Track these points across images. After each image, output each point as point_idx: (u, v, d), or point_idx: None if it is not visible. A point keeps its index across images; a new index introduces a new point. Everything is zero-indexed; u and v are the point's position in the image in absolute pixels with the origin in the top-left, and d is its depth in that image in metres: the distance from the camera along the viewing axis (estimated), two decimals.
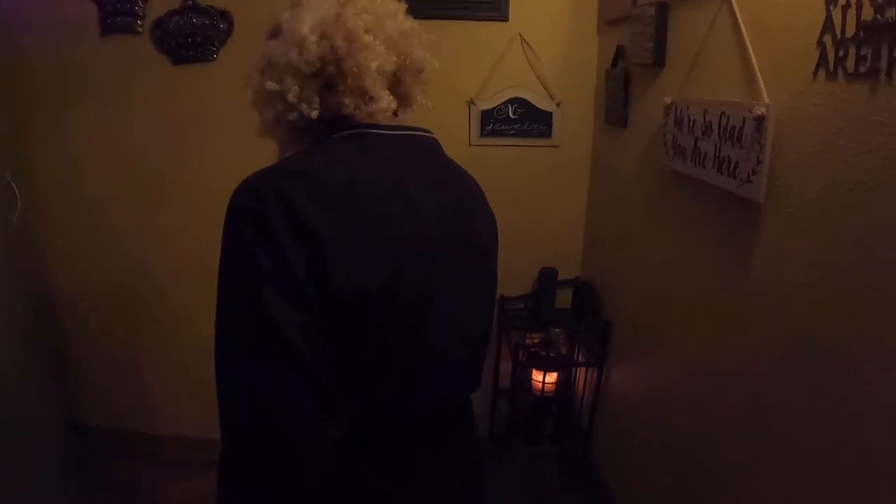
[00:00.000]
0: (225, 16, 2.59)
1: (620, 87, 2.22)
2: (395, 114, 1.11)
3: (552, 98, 2.61)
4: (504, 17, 2.53)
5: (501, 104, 2.60)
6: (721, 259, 1.60)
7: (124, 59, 2.61)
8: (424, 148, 1.10)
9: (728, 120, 1.47)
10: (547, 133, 2.64)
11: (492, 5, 2.51)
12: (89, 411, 2.98)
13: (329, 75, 1.00)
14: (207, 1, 2.58)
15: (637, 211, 2.17)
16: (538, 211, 2.74)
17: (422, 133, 1.09)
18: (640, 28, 1.98)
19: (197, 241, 2.69)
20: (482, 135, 2.63)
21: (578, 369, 2.62)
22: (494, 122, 2.62)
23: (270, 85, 1.01)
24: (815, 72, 1.23)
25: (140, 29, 2.59)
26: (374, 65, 0.99)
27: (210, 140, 2.67)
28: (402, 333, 0.95)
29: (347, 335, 0.89)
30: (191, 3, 2.57)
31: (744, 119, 1.40)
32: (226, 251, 0.89)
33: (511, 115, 2.62)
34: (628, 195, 2.25)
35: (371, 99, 1.01)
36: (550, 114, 2.63)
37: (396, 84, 1.08)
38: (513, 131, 2.63)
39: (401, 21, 1.08)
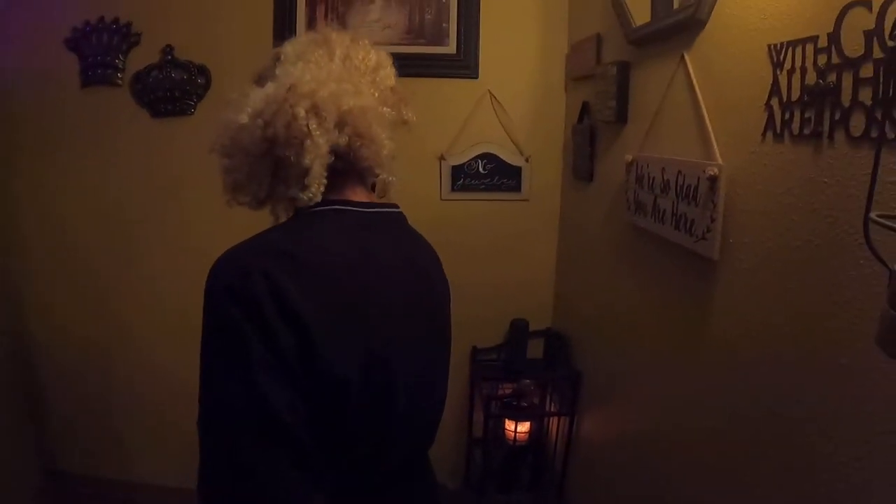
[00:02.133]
0: (203, 71, 2.66)
1: (586, 143, 2.27)
2: (372, 187, 1.15)
3: (521, 153, 2.67)
4: (474, 75, 2.59)
5: (471, 159, 2.65)
6: (682, 311, 1.62)
7: (104, 111, 2.66)
8: (392, 223, 1.14)
9: (684, 178, 1.51)
10: (516, 188, 2.69)
11: (462, 63, 2.57)
12: (65, 458, 2.93)
13: (276, 157, 1.02)
14: (186, 56, 2.64)
15: (603, 263, 2.21)
16: (509, 263, 2.76)
17: (390, 209, 1.14)
18: (603, 86, 2.04)
19: (174, 293, 2.74)
20: (453, 189, 2.66)
21: (551, 418, 2.62)
22: (465, 177, 2.66)
23: (225, 162, 1.04)
24: (764, 134, 1.28)
25: (120, 81, 2.65)
26: (309, 157, 0.99)
27: (188, 193, 2.70)
28: (375, 406, 0.98)
29: (328, 412, 0.91)
30: (170, 57, 2.64)
31: (698, 178, 1.44)
32: (213, 330, 0.89)
33: (481, 170, 2.66)
34: (595, 248, 2.29)
35: (306, 188, 1.01)
36: (520, 168, 2.68)
37: (351, 161, 1.06)
38: (483, 186, 2.68)
39: (356, 98, 1.06)
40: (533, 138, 2.68)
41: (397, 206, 1.16)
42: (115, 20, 2.61)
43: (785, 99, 1.21)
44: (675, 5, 1.73)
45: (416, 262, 1.14)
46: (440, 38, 2.57)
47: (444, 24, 2.57)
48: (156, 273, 2.76)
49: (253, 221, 2.59)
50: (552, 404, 2.61)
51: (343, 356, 0.91)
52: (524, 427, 2.54)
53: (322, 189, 1.03)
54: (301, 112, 0.99)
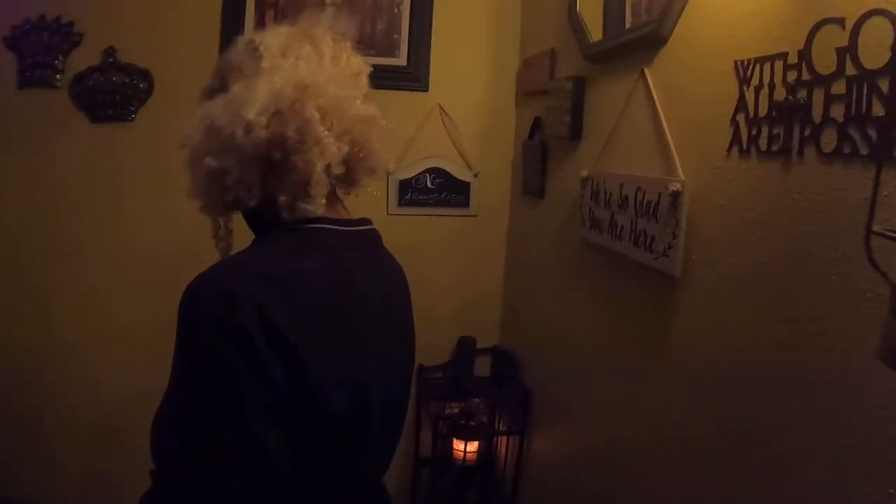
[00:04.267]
0: (145, 75, 2.55)
1: (538, 159, 2.25)
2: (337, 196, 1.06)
3: (470, 168, 2.63)
4: (424, 88, 2.55)
5: (420, 174, 2.60)
6: (640, 328, 1.60)
7: (42, 114, 2.52)
8: (370, 242, 1.08)
9: (644, 195, 1.49)
10: (465, 203, 2.65)
11: (412, 75, 2.53)
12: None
13: (273, 161, 0.93)
14: (129, 59, 2.53)
15: (555, 281, 2.18)
16: (456, 280, 2.72)
17: (368, 228, 1.08)
18: (557, 101, 2.02)
19: (114, 304, 2.60)
20: (400, 204, 2.61)
21: (500, 438, 2.56)
22: (413, 192, 2.61)
23: (210, 161, 0.92)
24: (729, 149, 1.27)
25: (59, 83, 2.51)
26: (320, 164, 0.93)
27: (129, 200, 2.58)
28: (353, 435, 0.95)
29: (312, 445, 0.87)
30: (111, 60, 2.51)
31: (659, 194, 1.42)
32: (196, 364, 0.82)
33: (429, 184, 2.61)
34: (546, 265, 2.26)
35: (308, 198, 0.94)
36: (468, 184, 2.64)
37: (345, 173, 1.00)
38: (431, 201, 2.63)
39: (359, 106, 1.00)
40: (483, 153, 2.65)
41: (371, 222, 1.09)
42: (57, 18, 2.47)
43: (752, 115, 1.20)
44: (627, 23, 1.73)
45: (393, 286, 1.10)
46: (391, 50, 2.52)
47: (395, 36, 2.52)
48: (96, 283, 2.61)
49: (197, 230, 2.46)
50: (500, 423, 2.55)
51: (335, 389, 0.87)
52: (473, 447, 2.48)
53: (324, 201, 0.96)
54: (315, 115, 0.91)
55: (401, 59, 2.53)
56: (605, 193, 1.68)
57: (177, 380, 0.83)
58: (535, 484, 2.40)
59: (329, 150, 0.92)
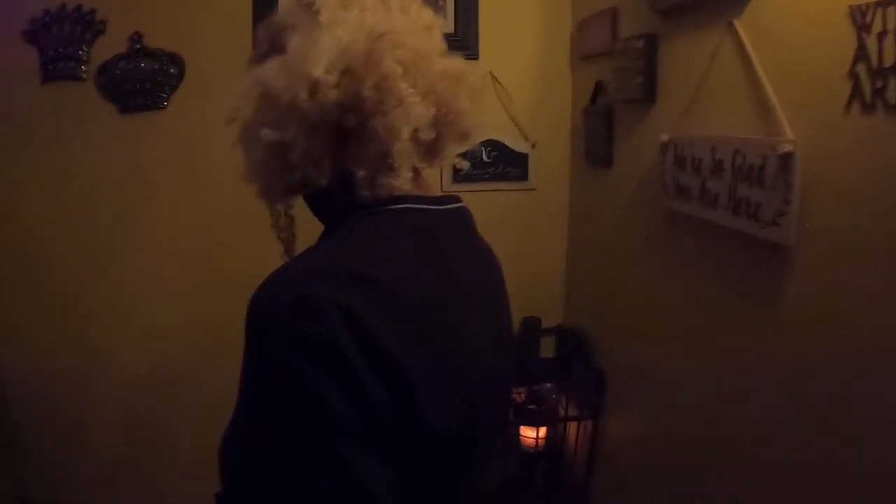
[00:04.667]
0: (175, 60, 2.44)
1: (603, 125, 2.12)
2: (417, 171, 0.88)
3: (527, 139, 2.51)
4: (474, 55, 2.42)
5: (475, 147, 2.48)
6: (739, 303, 1.48)
7: (68, 108, 2.43)
8: (464, 223, 0.94)
9: (744, 158, 1.36)
10: (523, 176, 2.53)
11: (461, 42, 2.40)
12: (38, 487, 2.68)
13: (346, 129, 0.79)
14: (157, 44, 2.42)
15: (629, 254, 2.05)
16: (516, 258, 2.57)
17: (459, 205, 0.93)
18: (625, 62, 1.89)
19: (151, 305, 2.53)
20: (455, 181, 2.49)
21: (570, 423, 2.47)
22: (468, 167, 2.49)
23: (268, 134, 0.78)
24: (848, 104, 1.13)
25: (84, 75, 2.42)
26: (406, 129, 0.78)
27: (163, 193, 2.49)
28: (460, 456, 0.82)
29: (419, 474, 0.74)
30: (139, 46, 2.41)
31: (764, 157, 1.29)
32: (272, 386, 0.68)
33: (485, 158, 2.50)
34: (618, 238, 2.14)
35: (391, 171, 0.80)
36: (526, 155, 2.52)
37: (431, 142, 0.86)
38: (487, 175, 2.51)
39: (445, 59, 0.86)
40: (538, 123, 2.52)
41: (459, 199, 0.94)
42: (78, 7, 2.36)
43: (875, 65, 1.07)
44: None
45: (490, 275, 0.96)
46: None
47: (440, 2, 2.39)
48: (130, 283, 2.54)
49: (238, 222, 2.36)
50: (570, 407, 2.46)
51: (443, 405, 0.74)
52: (543, 433, 2.39)
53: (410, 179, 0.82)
54: (397, 68, 0.77)
55: (448, 26, 2.39)
56: (693, 158, 1.55)
57: (248, 405, 0.71)
58: (610, 471, 2.30)
59: (415, 110, 0.79)
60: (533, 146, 2.51)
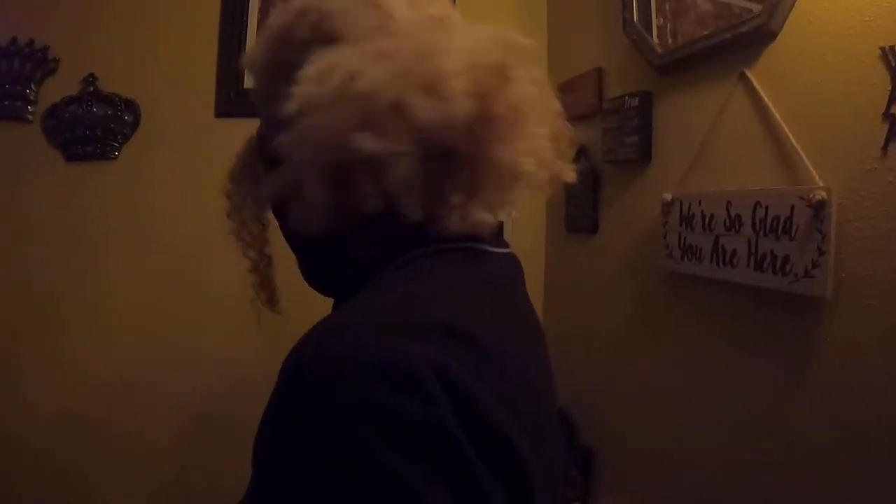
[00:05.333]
0: (130, 106, 2.30)
1: (588, 190, 2.04)
2: None
3: None
4: None
5: None
6: (758, 364, 1.36)
7: (10, 152, 2.25)
8: (519, 273, 0.80)
9: (767, 210, 1.28)
10: None
11: None
12: None
13: (454, 150, 0.63)
14: (112, 88, 2.28)
15: (619, 322, 1.94)
16: None
17: (509, 250, 0.80)
18: (616, 122, 1.83)
19: (100, 373, 2.29)
20: None
21: None
22: None
23: (367, 142, 0.58)
24: (885, 146, 1.07)
25: (31, 116, 2.25)
26: (529, 163, 0.66)
27: (112, 251, 2.30)
28: None
29: None
30: (92, 89, 2.26)
31: (792, 207, 1.22)
32: (342, 494, 0.47)
33: None
34: (604, 306, 2.02)
35: (489, 204, 0.67)
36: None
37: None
38: None
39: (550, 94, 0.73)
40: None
41: (508, 245, 0.81)
42: (30, 42, 2.22)
43: None
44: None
45: (540, 335, 0.81)
46: None
47: None
48: (81, 352, 2.30)
49: (195, 286, 2.14)
50: None
51: (546, 495, 0.57)
52: None
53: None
54: (534, 89, 0.65)
55: None
56: (704, 216, 1.47)
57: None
58: None
59: (540, 143, 0.67)
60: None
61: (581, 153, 2.10)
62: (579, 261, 2.20)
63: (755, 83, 1.36)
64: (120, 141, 2.28)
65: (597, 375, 2.11)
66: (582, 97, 2.07)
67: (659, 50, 1.67)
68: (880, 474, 1.08)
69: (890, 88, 1.06)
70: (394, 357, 0.49)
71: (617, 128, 1.83)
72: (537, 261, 2.49)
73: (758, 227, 1.31)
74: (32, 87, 2.24)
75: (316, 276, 0.79)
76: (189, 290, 2.30)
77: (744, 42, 1.38)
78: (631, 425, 1.90)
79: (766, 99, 1.33)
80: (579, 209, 2.12)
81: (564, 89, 2.21)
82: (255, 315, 0.91)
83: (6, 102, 2.22)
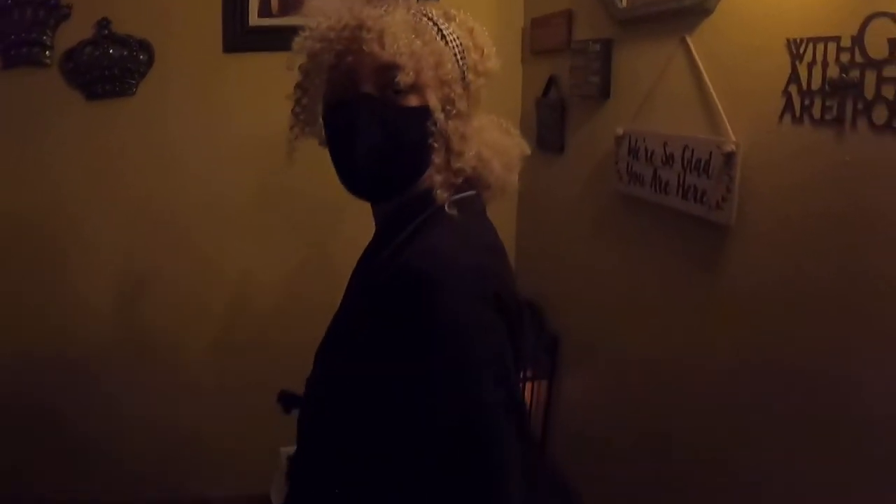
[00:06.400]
0: (145, 46, 2.49)
1: (556, 116, 2.40)
2: None
3: None
4: None
5: None
6: (684, 274, 1.79)
7: (31, 96, 2.45)
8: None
9: (693, 153, 1.67)
10: None
11: None
12: None
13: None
14: (125, 30, 2.46)
15: (580, 232, 2.36)
16: None
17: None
18: (581, 62, 2.17)
19: (121, 304, 2.59)
20: None
21: (526, 384, 2.74)
22: None
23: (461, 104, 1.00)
24: (781, 116, 1.42)
25: (48, 61, 2.44)
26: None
27: (132, 183, 2.55)
28: None
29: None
30: (106, 32, 2.45)
31: (710, 153, 1.60)
32: (464, 341, 0.83)
33: None
34: (570, 216, 2.44)
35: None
36: None
37: None
38: None
39: None
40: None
41: None
42: None
43: (805, 87, 1.35)
44: None
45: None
46: None
47: None
48: (97, 278, 2.58)
49: (213, 213, 2.51)
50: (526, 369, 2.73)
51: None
52: None
53: None
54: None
55: None
56: (647, 150, 1.85)
57: (431, 361, 0.83)
58: (565, 429, 2.60)
59: None
60: None
61: (552, 83, 2.45)
62: (548, 174, 2.60)
63: (692, 48, 1.70)
64: (136, 78, 2.50)
65: (562, 274, 2.55)
66: (553, 34, 2.40)
67: (620, 5, 1.98)
68: (771, 346, 1.50)
69: (789, 73, 1.39)
70: (483, 263, 0.88)
71: (582, 67, 2.17)
72: None
73: (685, 165, 1.70)
74: (48, 32, 2.41)
75: (379, 181, 1.01)
76: (202, 209, 2.58)
77: (686, 13, 1.70)
78: (588, 316, 2.37)
79: (699, 63, 1.68)
80: (549, 131, 2.48)
81: (537, 24, 2.54)
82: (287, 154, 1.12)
83: (24, 49, 2.40)
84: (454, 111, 0.96)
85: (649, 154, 1.85)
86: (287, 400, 1.21)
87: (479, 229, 0.97)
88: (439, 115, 0.93)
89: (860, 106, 1.23)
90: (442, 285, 0.82)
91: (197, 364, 2.70)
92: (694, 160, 1.67)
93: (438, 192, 0.94)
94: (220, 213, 2.59)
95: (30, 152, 2.48)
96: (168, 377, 2.68)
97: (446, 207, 0.94)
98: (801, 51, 1.37)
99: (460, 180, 0.98)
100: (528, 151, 1.13)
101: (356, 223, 1.33)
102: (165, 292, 2.64)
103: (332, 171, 1.00)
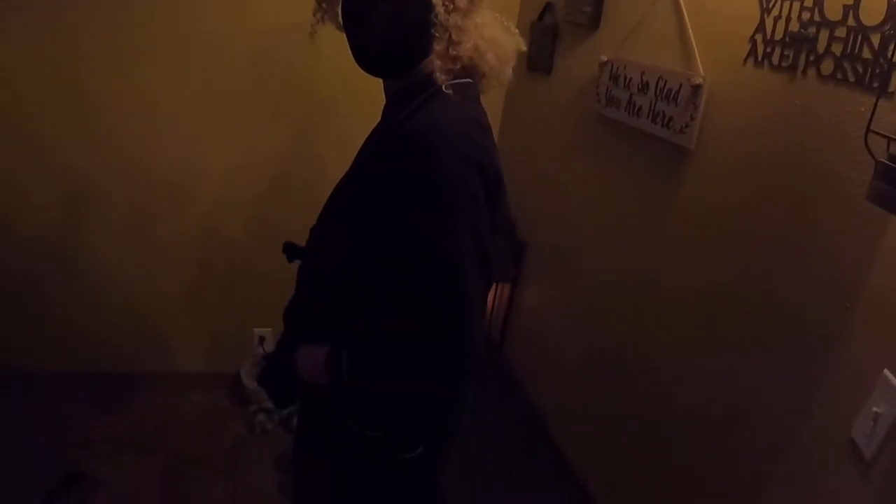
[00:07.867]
0: None
1: (548, 40, 2.62)
2: None
3: None
4: None
5: None
6: (648, 189, 2.06)
7: None
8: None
9: (665, 83, 1.92)
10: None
11: None
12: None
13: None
14: None
15: (559, 148, 2.60)
16: None
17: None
18: None
19: (143, 146, 2.63)
20: None
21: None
22: None
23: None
24: (745, 60, 1.67)
25: None
26: None
27: (159, 60, 2.56)
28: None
29: None
30: None
31: (681, 84, 1.85)
32: (463, 200, 1.04)
33: None
34: (548, 133, 2.68)
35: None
36: None
37: None
38: None
39: None
40: None
41: None
42: None
43: (769, 37, 1.59)
44: None
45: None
46: None
47: None
48: (123, 130, 2.61)
49: (234, 89, 2.61)
50: None
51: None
52: None
53: None
54: None
55: None
56: (626, 78, 2.10)
57: (430, 213, 1.02)
58: (524, 331, 2.84)
59: None
60: None
61: (547, 9, 2.65)
62: (535, 92, 2.82)
63: None
64: None
65: (537, 186, 2.79)
66: None
67: None
68: (719, 259, 1.81)
69: (758, 22, 1.63)
70: (464, 132, 1.06)
71: None
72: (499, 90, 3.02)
73: (658, 93, 1.95)
74: None
75: (387, 59, 1.15)
76: (225, 93, 2.63)
77: None
78: (557, 226, 2.62)
79: (682, 3, 1.91)
80: (539, 53, 2.70)
81: None
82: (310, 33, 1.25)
83: None
84: (452, 7, 1.09)
85: (627, 81, 2.09)
86: (291, 250, 1.38)
87: (472, 110, 1.16)
88: (440, 9, 1.06)
89: (812, 58, 1.47)
90: (435, 145, 1.01)
91: (181, 244, 2.83)
92: (666, 89, 1.92)
93: (438, 74, 1.13)
94: (241, 95, 2.66)
95: (52, 22, 2.42)
96: (155, 255, 2.82)
97: (444, 88, 1.12)
98: (771, 5, 1.60)
99: (458, 67, 1.14)
100: (523, 47, 1.28)
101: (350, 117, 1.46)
102: (154, 174, 2.70)
103: (333, 68, 1.16)
